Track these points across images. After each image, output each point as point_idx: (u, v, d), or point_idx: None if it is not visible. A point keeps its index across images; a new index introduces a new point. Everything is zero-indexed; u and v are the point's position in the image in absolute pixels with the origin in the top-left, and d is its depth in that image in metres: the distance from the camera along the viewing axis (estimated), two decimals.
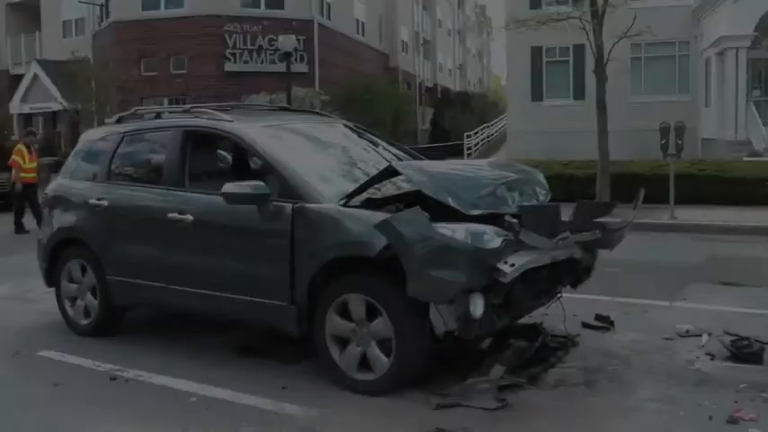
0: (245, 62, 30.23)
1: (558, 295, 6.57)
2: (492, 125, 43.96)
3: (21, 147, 17.02)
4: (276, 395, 5.64)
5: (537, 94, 29.95)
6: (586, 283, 6.62)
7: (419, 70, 51.43)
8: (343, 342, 5.71)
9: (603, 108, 17.31)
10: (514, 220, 5.43)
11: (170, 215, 6.61)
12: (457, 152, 36.22)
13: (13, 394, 6.05)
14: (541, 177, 7.01)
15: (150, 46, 30.35)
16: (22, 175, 16.55)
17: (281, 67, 27.97)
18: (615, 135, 19.11)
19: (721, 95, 25.16)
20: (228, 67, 30.00)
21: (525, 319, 6.74)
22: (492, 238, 5.20)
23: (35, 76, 35.49)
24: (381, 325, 5.44)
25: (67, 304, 7.66)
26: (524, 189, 6.36)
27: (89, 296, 7.45)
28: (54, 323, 7.89)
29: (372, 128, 9.14)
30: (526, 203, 5.93)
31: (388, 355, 5.46)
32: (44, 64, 35.12)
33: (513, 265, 5.11)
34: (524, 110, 29.95)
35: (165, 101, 29.80)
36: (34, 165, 16.98)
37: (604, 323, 7.27)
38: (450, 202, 5.49)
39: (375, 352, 5.53)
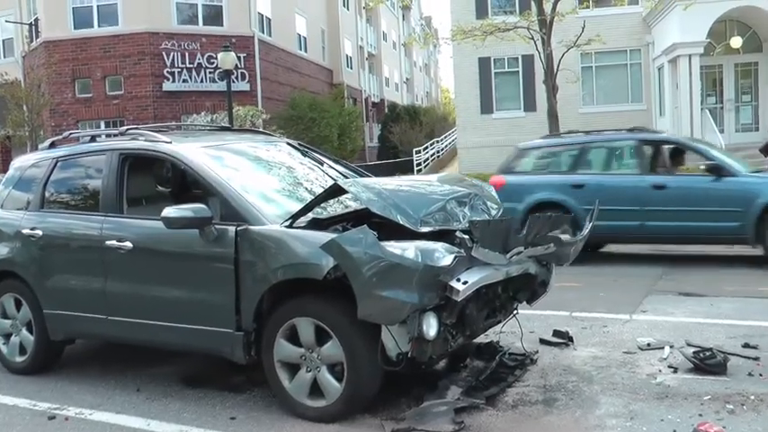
0: (185, 81, 30.04)
1: (514, 312, 6.64)
2: (442, 140, 44.19)
3: None
4: (225, 426, 5.60)
5: (486, 107, 30.22)
6: (543, 299, 6.68)
7: (365, 85, 51.56)
8: (292, 368, 5.69)
9: (555, 119, 17.57)
10: (466, 236, 5.46)
11: (108, 243, 6.55)
12: (407, 168, 36.40)
13: None
14: (493, 191, 7.08)
15: (84, 66, 30.02)
16: None
17: (221, 85, 27.91)
18: None
19: (675, 104, 25.63)
20: (167, 86, 29.79)
21: (481, 338, 6.79)
22: (443, 255, 5.21)
23: None
24: (332, 349, 5.43)
25: (1, 342, 7.53)
26: (476, 204, 6.41)
27: (24, 332, 7.33)
28: None
29: (318, 146, 9.17)
30: (478, 218, 5.97)
31: (339, 380, 5.45)
32: None
33: (465, 282, 5.12)
34: (474, 123, 30.20)
35: (102, 123, 29.50)
36: None
37: (563, 339, 7.34)
38: (399, 219, 5.50)
39: (326, 377, 5.51)
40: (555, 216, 6.31)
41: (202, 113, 28.45)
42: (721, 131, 25.17)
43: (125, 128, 7.50)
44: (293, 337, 5.63)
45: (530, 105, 29.18)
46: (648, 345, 7.07)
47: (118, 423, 5.84)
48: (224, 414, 5.87)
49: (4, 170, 10.26)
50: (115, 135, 7.50)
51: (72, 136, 8.13)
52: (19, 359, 7.39)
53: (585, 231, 6.50)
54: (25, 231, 7.25)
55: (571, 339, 7.34)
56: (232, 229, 5.81)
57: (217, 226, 5.89)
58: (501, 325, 6.66)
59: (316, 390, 5.59)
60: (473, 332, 5.85)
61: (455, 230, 5.73)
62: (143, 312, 6.38)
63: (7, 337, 7.49)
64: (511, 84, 30.06)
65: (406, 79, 70.09)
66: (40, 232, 7.14)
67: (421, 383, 6.00)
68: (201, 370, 7.05)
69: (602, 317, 8.36)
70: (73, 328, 7.02)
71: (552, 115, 17.51)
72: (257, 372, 6.14)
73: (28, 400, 6.54)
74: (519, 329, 6.95)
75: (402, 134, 43.68)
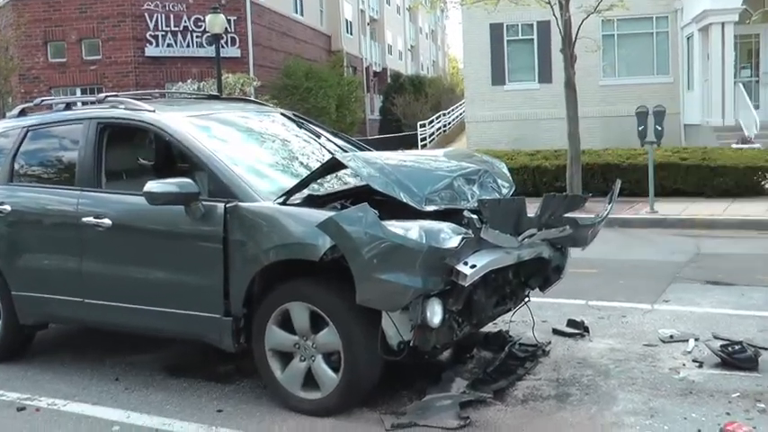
0: (169, 46, 29.97)
1: (526, 300, 6.68)
2: (449, 113, 44.18)
3: None
4: (211, 420, 5.64)
5: (498, 78, 30.07)
6: (557, 286, 6.72)
7: (366, 53, 51.43)
8: (285, 357, 5.73)
9: (573, 91, 17.48)
10: (474, 217, 5.48)
11: (85, 220, 6.57)
12: (410, 143, 36.39)
13: None
14: (504, 168, 7.10)
15: (58, 28, 29.95)
16: None
17: (209, 50, 27.85)
18: (587, 121, 19.37)
19: (706, 76, 25.48)
20: (150, 51, 29.72)
21: (489, 327, 6.84)
22: (449, 236, 5.25)
23: None
24: (328, 336, 5.46)
25: None
26: (485, 182, 6.44)
27: None
28: None
29: (314, 117, 9.19)
30: (487, 197, 5.98)
31: (336, 371, 5.49)
32: None
33: (473, 266, 5.16)
34: (484, 95, 30.07)
35: (78, 91, 29.46)
36: None
37: (578, 329, 7.37)
38: (402, 197, 5.54)
39: (321, 367, 5.55)
40: (571, 196, 6.30)
41: (188, 81, 28.42)
42: (756, 107, 24.96)
43: (103, 95, 7.49)
44: (286, 324, 5.66)
45: (545, 76, 29.04)
46: (671, 337, 7.10)
47: (94, 415, 5.87)
48: (210, 406, 5.90)
49: None
50: (93, 103, 7.51)
51: (44, 103, 8.11)
52: None
53: (605, 213, 6.52)
54: None
55: (587, 330, 7.37)
56: (221, 205, 5.82)
57: (204, 202, 5.90)
58: (511, 313, 6.70)
59: (310, 380, 5.63)
60: (481, 320, 5.89)
61: (463, 210, 5.74)
62: (123, 295, 6.40)
63: None
64: (525, 53, 29.87)
65: (411, 47, 69.89)
66: (8, 207, 7.14)
67: (424, 375, 6.05)
68: (186, 358, 7.09)
69: (621, 306, 8.39)
70: (45, 311, 7.04)
71: (570, 87, 17.41)
72: (247, 361, 6.18)
73: None
74: (530, 318, 6.99)
75: (406, 106, 43.65)
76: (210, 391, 6.23)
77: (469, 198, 6.02)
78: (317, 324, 5.52)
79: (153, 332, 6.63)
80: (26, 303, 7.06)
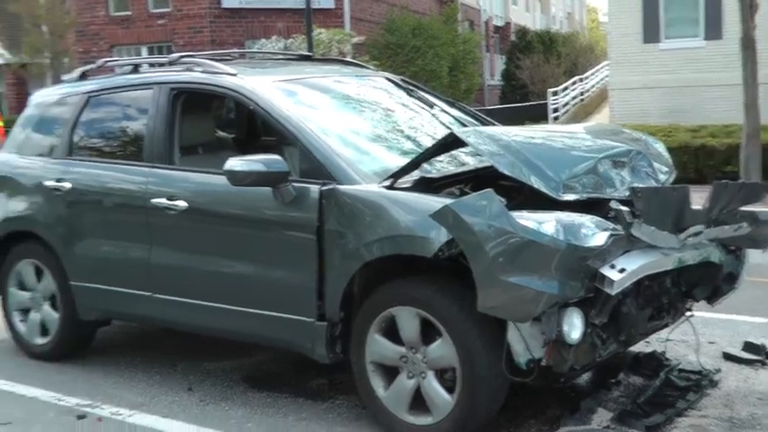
0: None
1: (688, 314, 6.51)
2: (587, 78, 43.73)
3: None
4: None
5: (651, 33, 29.52)
6: (730, 298, 6.51)
7: (485, 3, 51.25)
8: (389, 372, 5.73)
9: (752, 50, 17.07)
10: (625, 209, 5.40)
11: (155, 201, 6.69)
12: (539, 115, 36.12)
13: None
14: (662, 148, 6.98)
15: None
16: None
17: (298, 1, 28.01)
18: None
19: None
20: (228, 2, 30.06)
21: (641, 347, 6.73)
22: (593, 232, 5.17)
23: None
24: (442, 349, 5.44)
25: (17, 318, 7.80)
26: (638, 165, 6.32)
27: (47, 308, 7.56)
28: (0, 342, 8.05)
29: (423, 82, 9.18)
30: (641, 185, 5.88)
31: (450, 391, 5.47)
32: None
33: (623, 270, 5.07)
34: (633, 55, 29.59)
35: (144, 50, 29.99)
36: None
37: (758, 356, 7.12)
38: (533, 182, 5.48)
39: (433, 386, 5.52)
40: (749, 184, 6.09)
41: (273, 38, 28.65)
42: None
43: (177, 55, 7.59)
44: (392, 332, 5.65)
45: (713, 31, 28.26)
46: None
47: (164, 429, 6.03)
48: (298, 427, 5.98)
49: (20, 107, 10.46)
50: (163, 65, 7.63)
51: (108, 65, 8.27)
52: (40, 341, 7.65)
53: None
54: (49, 183, 7.43)
55: None
56: (315, 188, 5.86)
57: (295, 184, 5.95)
58: (669, 330, 6.55)
59: (419, 402, 5.61)
60: (630, 337, 5.77)
61: (610, 200, 5.66)
62: (198, 291, 6.53)
63: (25, 312, 7.74)
64: (687, 0, 29.26)
65: None
66: (68, 185, 7.31)
67: (557, 402, 6.02)
68: (270, 368, 7.19)
69: None
70: (108, 305, 7.23)
71: (748, 44, 16.88)
72: (343, 374, 6.24)
73: (52, 393, 6.77)
74: (694, 338, 6.81)
75: (534, 69, 43.41)
76: (299, 410, 6.29)
77: (618, 185, 5.92)
78: (428, 334, 5.50)
79: (233, 336, 6.75)
80: (86, 296, 7.24)
